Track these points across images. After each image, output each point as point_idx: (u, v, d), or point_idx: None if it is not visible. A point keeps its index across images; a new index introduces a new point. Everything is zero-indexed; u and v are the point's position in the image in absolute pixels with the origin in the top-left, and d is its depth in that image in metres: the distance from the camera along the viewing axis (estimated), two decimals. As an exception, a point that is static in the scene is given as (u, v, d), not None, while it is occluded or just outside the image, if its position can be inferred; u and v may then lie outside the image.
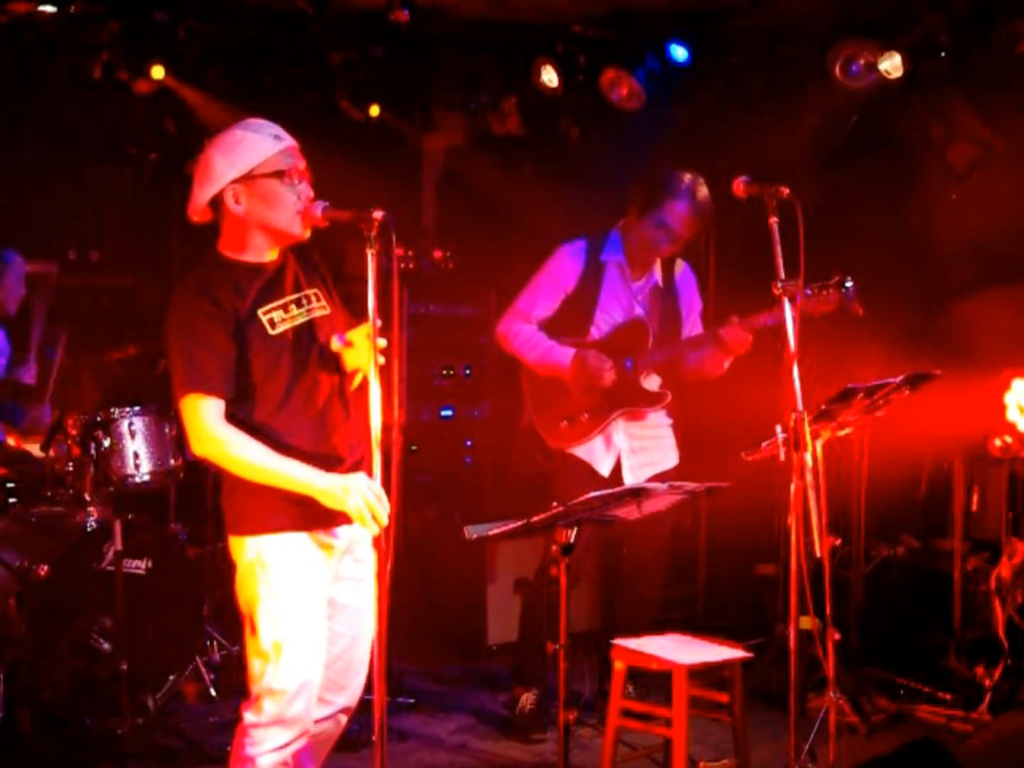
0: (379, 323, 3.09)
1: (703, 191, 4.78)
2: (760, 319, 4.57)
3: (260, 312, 3.27)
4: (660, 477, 4.80)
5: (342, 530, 3.33)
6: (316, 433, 3.27)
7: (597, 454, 4.88)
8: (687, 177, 4.78)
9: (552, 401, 4.91)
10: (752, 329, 4.59)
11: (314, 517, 3.26)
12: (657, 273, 4.97)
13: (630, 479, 4.84)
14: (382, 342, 3.12)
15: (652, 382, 4.93)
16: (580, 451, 4.87)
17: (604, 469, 4.88)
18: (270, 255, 3.35)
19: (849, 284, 4.35)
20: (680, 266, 5.05)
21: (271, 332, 3.27)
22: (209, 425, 3.18)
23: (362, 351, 3.21)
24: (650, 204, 4.79)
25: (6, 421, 5.45)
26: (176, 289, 3.33)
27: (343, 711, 3.46)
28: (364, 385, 3.24)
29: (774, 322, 4.50)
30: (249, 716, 3.27)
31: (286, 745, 3.26)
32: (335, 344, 3.32)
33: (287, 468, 3.19)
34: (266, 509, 3.25)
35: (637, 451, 4.93)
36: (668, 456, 5.00)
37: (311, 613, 3.28)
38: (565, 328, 4.92)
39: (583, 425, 4.85)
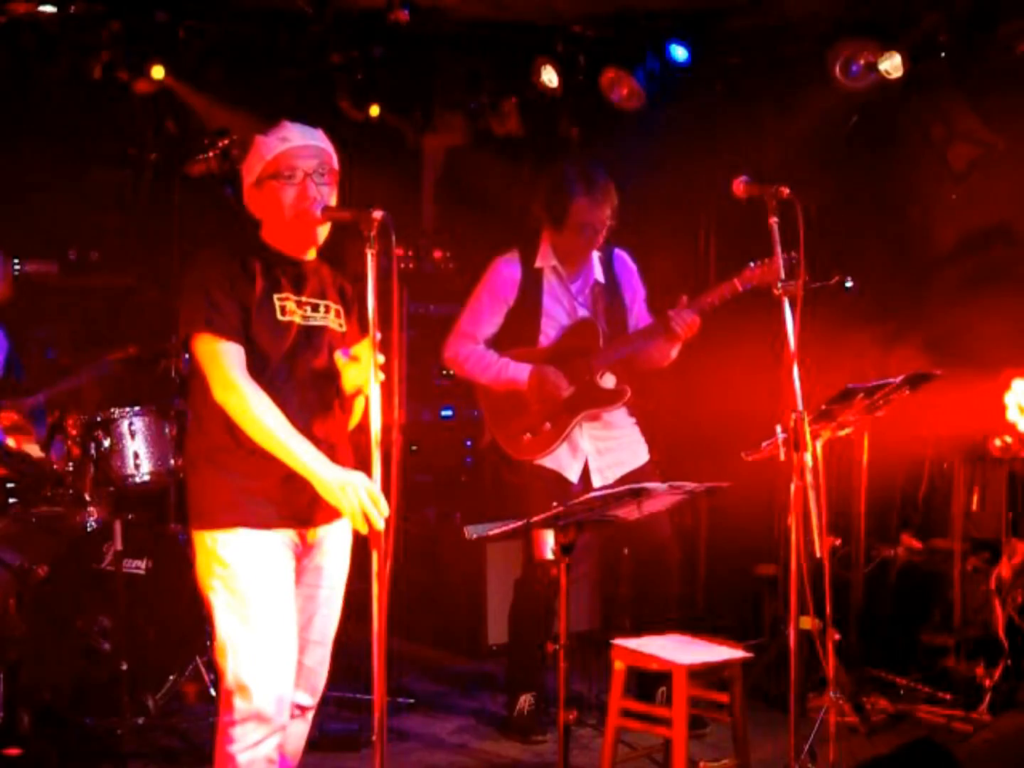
0: (379, 336, 3.10)
1: (592, 171, 4.77)
2: (708, 299, 4.60)
3: (276, 296, 3.29)
4: (631, 476, 4.79)
5: (304, 532, 3.34)
6: (295, 423, 3.24)
7: (564, 461, 4.85)
8: (571, 171, 4.79)
9: (511, 415, 4.87)
10: (701, 311, 4.60)
11: (274, 515, 3.27)
12: (596, 270, 4.93)
13: (599, 481, 4.81)
14: (381, 358, 3.13)
15: (608, 380, 4.90)
16: (547, 461, 4.83)
17: (573, 475, 4.85)
18: (304, 254, 3.38)
19: (849, 284, 4.36)
20: (616, 256, 5.00)
21: (279, 317, 3.29)
22: (234, 374, 3.17)
23: (365, 367, 3.19)
24: (558, 214, 4.77)
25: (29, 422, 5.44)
26: (205, 247, 3.34)
27: (307, 709, 3.49)
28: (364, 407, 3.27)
29: (720, 300, 4.59)
30: (224, 715, 3.29)
31: (262, 740, 3.26)
32: (339, 358, 3.32)
33: (298, 446, 3.18)
34: (225, 504, 3.26)
35: (603, 452, 4.89)
36: (637, 453, 4.96)
37: (271, 608, 3.27)
38: (513, 340, 4.89)
39: (546, 435, 4.82)
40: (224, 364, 3.18)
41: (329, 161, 3.36)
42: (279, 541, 3.30)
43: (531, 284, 4.89)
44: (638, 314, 4.99)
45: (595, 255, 4.94)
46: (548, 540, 4.70)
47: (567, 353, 4.83)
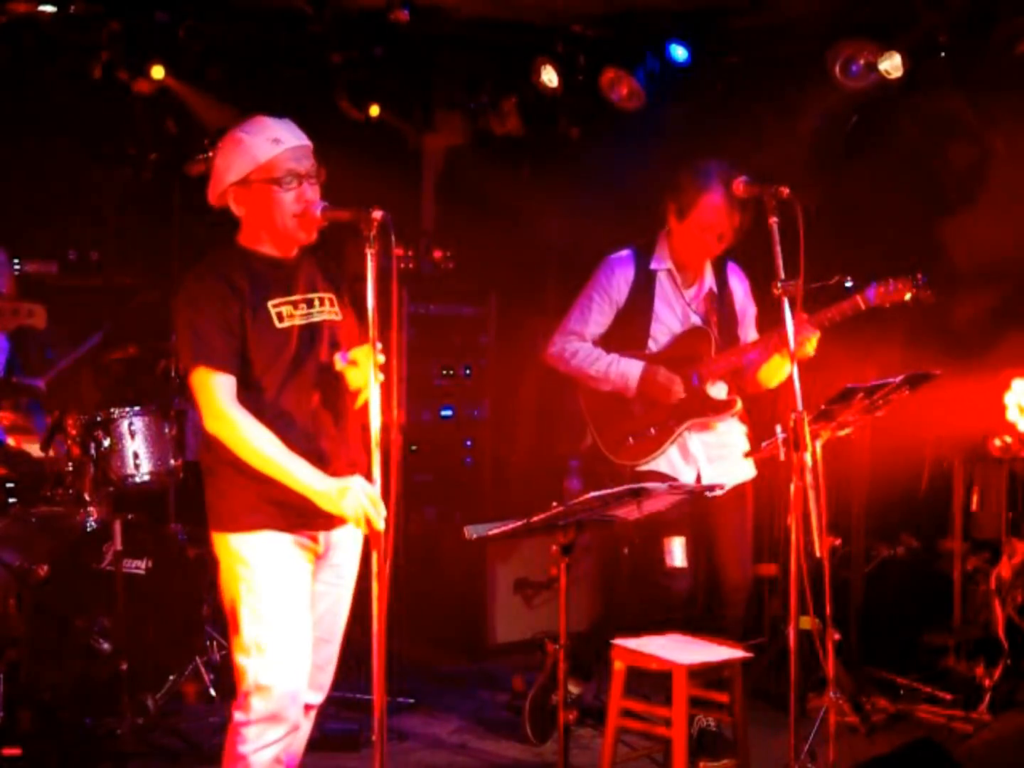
0: (380, 345, 3.12)
1: (734, 175, 4.41)
2: (828, 314, 4.35)
3: (270, 304, 3.29)
4: (740, 488, 4.67)
5: (321, 534, 3.37)
6: (305, 433, 3.28)
7: (678, 466, 4.67)
8: (713, 166, 4.57)
9: (615, 418, 4.71)
10: (821, 326, 4.34)
11: (295, 519, 3.29)
12: (710, 278, 4.75)
13: None
14: (381, 358, 3.14)
15: (719, 390, 4.73)
16: (659, 465, 4.65)
17: (688, 480, 4.65)
18: (286, 251, 3.38)
19: (849, 284, 4.35)
20: (730, 267, 4.84)
21: (277, 325, 3.29)
22: (222, 403, 3.20)
23: (365, 370, 3.20)
24: (685, 206, 4.59)
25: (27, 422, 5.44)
26: (192, 269, 3.35)
27: (313, 708, 3.50)
28: (364, 406, 3.27)
29: (841, 318, 4.37)
30: (239, 715, 3.29)
31: (277, 741, 3.28)
32: (339, 363, 3.33)
33: (292, 465, 3.20)
34: (248, 507, 3.27)
35: (714, 460, 4.69)
36: (746, 466, 4.72)
37: (293, 610, 3.30)
38: (621, 343, 4.71)
39: (650, 440, 4.66)
40: (213, 396, 3.21)
41: (314, 158, 3.35)
42: (300, 543, 3.33)
43: (643, 287, 4.70)
44: (747, 328, 4.82)
45: (708, 263, 4.76)
46: (678, 547, 4.59)
47: (678, 360, 4.67)
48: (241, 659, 3.29)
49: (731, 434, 4.76)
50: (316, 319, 3.36)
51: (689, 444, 4.68)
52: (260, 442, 3.19)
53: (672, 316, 4.73)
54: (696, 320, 4.71)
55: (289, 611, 3.29)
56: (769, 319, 4.51)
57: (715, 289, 4.76)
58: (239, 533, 3.29)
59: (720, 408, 4.69)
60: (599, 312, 4.74)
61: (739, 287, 4.83)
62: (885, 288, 4.32)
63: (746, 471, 4.72)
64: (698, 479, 4.66)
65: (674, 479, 4.60)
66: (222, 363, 3.21)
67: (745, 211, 4.53)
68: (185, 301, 3.28)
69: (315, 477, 3.21)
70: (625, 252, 4.77)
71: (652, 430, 4.66)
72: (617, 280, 4.72)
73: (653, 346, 4.72)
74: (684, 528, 4.59)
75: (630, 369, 4.65)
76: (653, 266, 4.72)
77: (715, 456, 4.70)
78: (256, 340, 3.25)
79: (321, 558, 3.40)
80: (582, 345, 4.73)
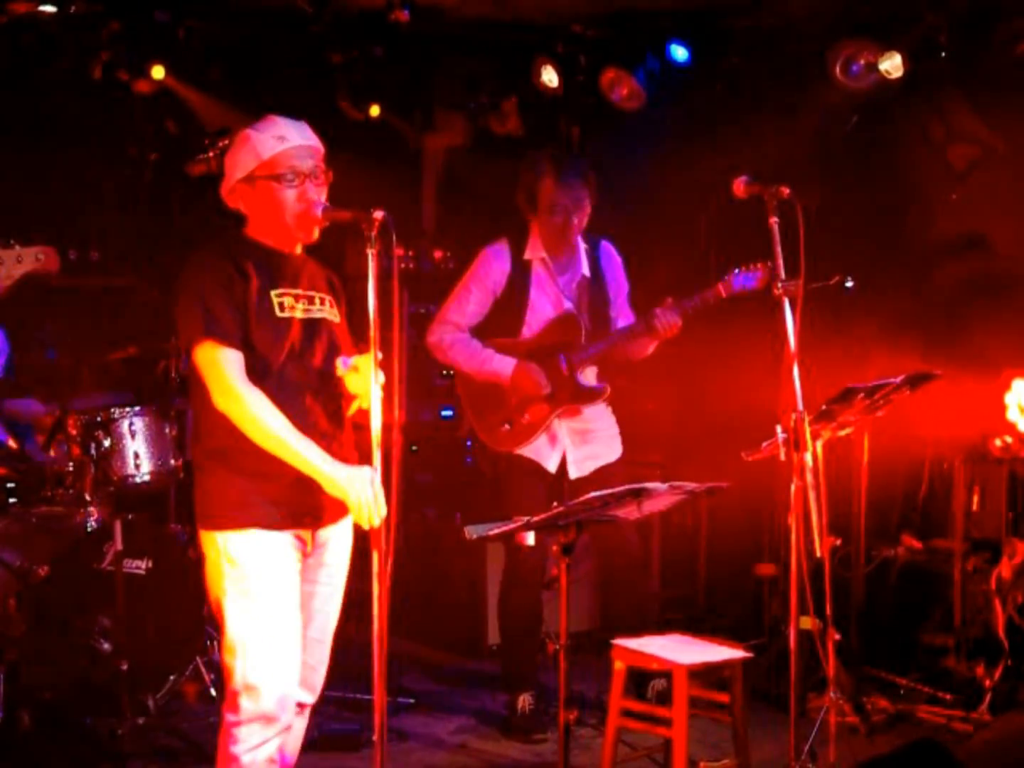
0: (380, 356, 3.12)
1: (562, 156, 4.92)
2: (691, 303, 4.65)
3: (273, 293, 3.29)
4: (604, 469, 4.90)
5: (309, 532, 3.35)
6: (300, 424, 3.25)
7: (543, 451, 4.90)
8: (542, 154, 4.91)
9: (490, 406, 4.92)
10: (683, 314, 4.66)
11: (283, 516, 3.28)
12: (583, 263, 4.97)
13: (575, 473, 4.89)
14: (381, 378, 3.14)
15: (589, 375, 4.96)
16: (526, 450, 4.88)
17: (551, 465, 4.90)
18: (293, 249, 3.38)
19: (849, 284, 4.36)
20: (603, 247, 5.05)
21: (278, 314, 3.29)
22: (233, 379, 3.18)
23: (366, 378, 3.20)
24: (531, 199, 4.87)
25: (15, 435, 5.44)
26: (197, 250, 3.34)
27: (306, 707, 3.50)
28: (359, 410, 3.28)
29: (703, 305, 4.64)
30: (229, 715, 3.28)
31: (268, 741, 3.27)
32: (340, 368, 3.33)
33: (301, 445, 3.20)
34: (236, 504, 3.26)
35: (579, 444, 4.94)
36: (612, 448, 5.00)
37: (280, 609, 3.28)
38: (496, 329, 4.94)
39: (525, 427, 4.87)
40: (224, 371, 3.19)
41: (322, 159, 3.36)
42: (288, 542, 3.31)
43: (520, 276, 4.93)
44: (620, 308, 5.04)
45: (582, 248, 4.96)
46: None
47: (548, 347, 4.87)
48: (228, 659, 3.28)
49: (599, 418, 4.98)
50: (316, 315, 3.37)
51: (556, 429, 4.90)
52: (270, 420, 3.18)
53: (546, 303, 4.93)
54: (568, 305, 4.93)
55: (276, 610, 3.27)
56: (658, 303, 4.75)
57: (587, 274, 4.97)
58: (226, 531, 3.27)
59: (591, 396, 4.91)
60: (476, 302, 4.96)
61: (612, 268, 5.05)
62: (744, 274, 4.51)
63: (613, 451, 4.99)
64: (563, 462, 4.90)
65: (537, 463, 4.86)
66: (231, 338, 3.19)
67: (589, 185, 4.82)
68: (192, 277, 3.26)
69: (324, 459, 3.21)
70: (500, 243, 4.98)
71: (526, 417, 4.86)
72: (494, 270, 4.94)
73: (527, 332, 4.92)
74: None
75: (501, 368, 4.86)
76: (527, 255, 4.94)
77: (580, 441, 4.93)
78: (257, 325, 3.24)
79: (310, 556, 3.39)
80: (458, 336, 4.94)
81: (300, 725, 3.51)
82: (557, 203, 4.81)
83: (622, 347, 4.89)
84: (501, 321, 4.95)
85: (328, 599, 3.46)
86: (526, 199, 4.91)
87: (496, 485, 4.96)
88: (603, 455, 4.97)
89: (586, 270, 4.97)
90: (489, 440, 4.93)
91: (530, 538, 4.72)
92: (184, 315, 3.23)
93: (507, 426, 4.88)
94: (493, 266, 4.95)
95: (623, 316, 5.02)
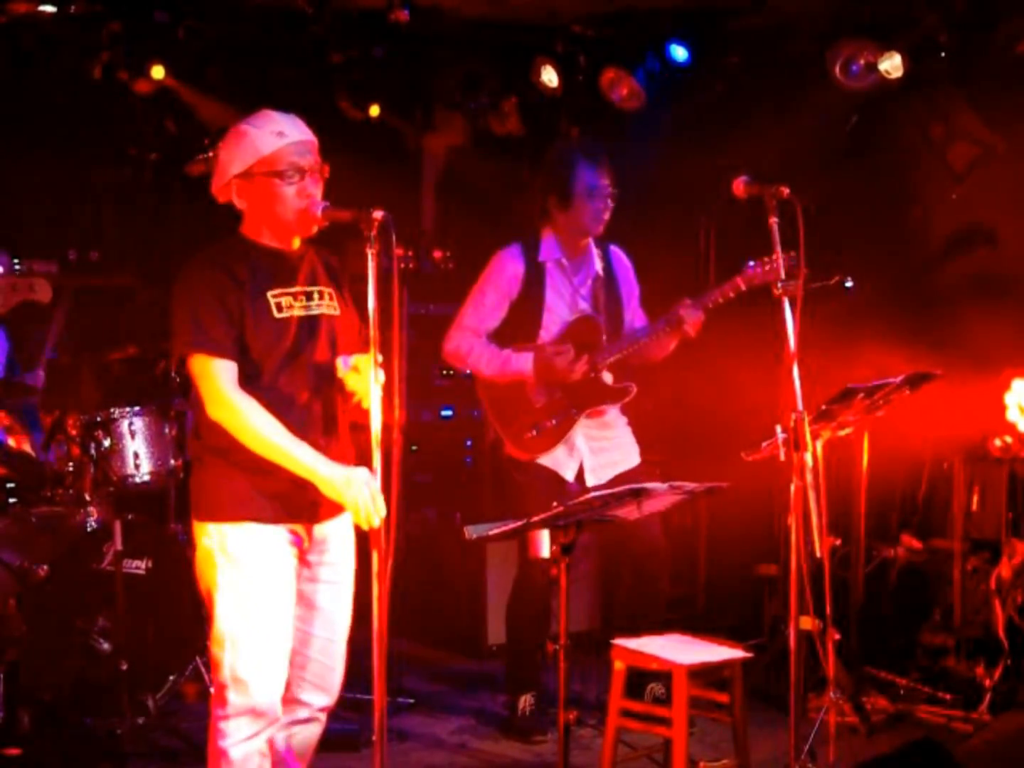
0: (380, 358, 3.12)
1: (585, 142, 4.97)
2: (712, 297, 4.64)
3: (270, 294, 3.29)
4: (624, 476, 4.78)
5: (306, 528, 3.35)
6: (297, 424, 3.26)
7: (561, 460, 4.84)
8: (565, 147, 4.97)
9: (515, 412, 4.84)
10: (706, 308, 4.65)
11: (280, 511, 3.28)
12: (596, 262, 4.92)
13: (592, 481, 4.82)
14: (381, 377, 3.14)
15: (607, 377, 4.90)
16: (545, 460, 4.82)
17: (569, 474, 4.85)
18: (287, 244, 3.37)
19: (849, 283, 4.36)
20: (613, 252, 5.01)
21: (276, 315, 3.28)
22: (225, 389, 3.19)
23: (366, 378, 3.20)
24: (564, 186, 4.77)
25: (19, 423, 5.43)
26: (192, 258, 3.34)
27: (323, 710, 3.48)
28: (358, 406, 3.27)
29: (723, 298, 4.62)
30: (217, 710, 3.28)
31: (255, 735, 3.26)
32: (340, 368, 3.33)
33: (296, 449, 3.20)
34: (232, 497, 3.27)
35: (597, 452, 4.89)
36: (630, 455, 4.95)
37: (272, 603, 3.28)
38: (513, 335, 4.87)
39: (551, 432, 4.80)
40: (215, 382, 3.20)
41: (318, 154, 3.35)
42: (284, 537, 3.31)
43: (534, 278, 4.87)
44: (633, 311, 5.01)
45: (594, 250, 4.92)
46: (544, 538, 4.71)
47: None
48: (216, 650, 3.28)
49: (616, 425, 4.95)
50: (315, 312, 3.36)
51: (574, 437, 4.85)
52: (264, 427, 3.19)
53: (562, 304, 4.88)
54: (585, 306, 4.88)
55: (268, 604, 3.27)
56: (658, 302, 4.80)
57: (601, 273, 4.93)
58: (221, 523, 3.27)
59: (615, 396, 4.86)
60: (492, 307, 4.89)
61: (624, 270, 5.02)
62: (762, 267, 4.48)
63: (631, 458, 4.94)
64: (580, 470, 4.84)
65: (556, 473, 4.81)
66: (223, 349, 3.20)
67: (612, 170, 4.78)
68: (185, 288, 3.27)
69: (320, 461, 3.21)
70: (514, 246, 4.92)
71: (552, 421, 4.80)
72: (508, 275, 4.88)
73: (545, 335, 4.86)
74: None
75: (522, 365, 4.78)
76: (541, 258, 4.88)
77: (599, 448, 4.90)
78: (254, 329, 3.24)
79: (310, 553, 3.38)
80: (476, 341, 4.88)
81: (316, 730, 3.49)
82: (597, 184, 4.75)
83: (645, 347, 4.83)
84: (518, 326, 4.87)
85: (334, 597, 3.44)
86: (555, 189, 4.80)
87: (520, 494, 4.85)
88: (621, 462, 4.91)
89: (600, 269, 4.93)
90: (515, 448, 4.84)
91: (544, 550, 4.73)
92: (177, 327, 3.26)
93: (534, 432, 4.79)
94: (507, 269, 4.88)
95: (637, 319, 4.99)
